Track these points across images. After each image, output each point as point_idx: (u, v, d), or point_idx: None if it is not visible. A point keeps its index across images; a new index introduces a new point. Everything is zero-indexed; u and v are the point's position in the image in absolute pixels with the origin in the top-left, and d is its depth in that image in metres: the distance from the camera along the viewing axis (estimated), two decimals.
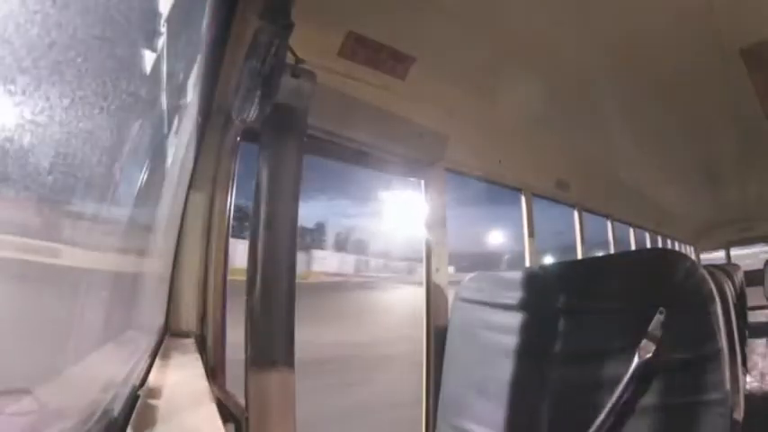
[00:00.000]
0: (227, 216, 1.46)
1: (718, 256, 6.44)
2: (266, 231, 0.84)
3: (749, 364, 2.48)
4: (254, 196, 0.88)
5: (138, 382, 0.84)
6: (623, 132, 2.77)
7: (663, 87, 2.19)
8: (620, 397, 1.11)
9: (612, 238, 3.98)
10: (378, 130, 1.75)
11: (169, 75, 0.98)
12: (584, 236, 3.36)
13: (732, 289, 2.02)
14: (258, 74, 0.91)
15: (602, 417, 1.12)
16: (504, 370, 1.46)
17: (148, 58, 0.82)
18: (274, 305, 0.82)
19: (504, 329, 1.51)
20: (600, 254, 3.94)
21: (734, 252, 6.41)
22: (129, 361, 0.94)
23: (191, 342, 1.28)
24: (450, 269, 2.11)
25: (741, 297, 2.92)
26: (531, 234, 2.65)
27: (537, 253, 2.67)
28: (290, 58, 0.90)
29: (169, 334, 1.28)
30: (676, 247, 5.91)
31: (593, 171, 3.21)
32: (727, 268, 2.95)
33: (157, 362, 1.02)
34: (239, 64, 1.15)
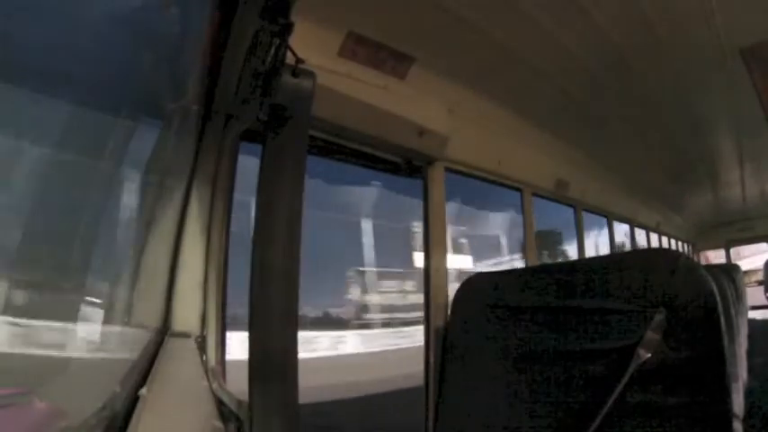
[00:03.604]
0: (227, 216, 1.45)
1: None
2: (269, 233, 0.84)
3: (749, 364, 2.48)
4: (256, 197, 0.87)
5: (138, 382, 0.84)
6: (623, 132, 2.78)
7: (663, 87, 2.19)
8: (621, 397, 1.11)
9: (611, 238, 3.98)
10: (378, 130, 1.75)
11: (169, 75, 0.98)
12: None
13: (732, 288, 2.02)
14: (258, 74, 0.91)
15: (602, 416, 1.12)
16: (503, 370, 1.46)
17: (149, 57, 0.82)
18: (277, 306, 0.82)
19: (503, 329, 1.51)
20: None
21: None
22: (130, 361, 0.94)
23: (191, 342, 1.28)
24: None
25: (741, 296, 2.92)
26: (530, 234, 2.65)
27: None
28: (290, 58, 0.89)
29: (169, 334, 1.28)
30: (676, 247, 5.91)
31: (593, 171, 3.21)
32: (728, 268, 2.95)
33: (158, 362, 1.02)
34: (239, 64, 1.15)
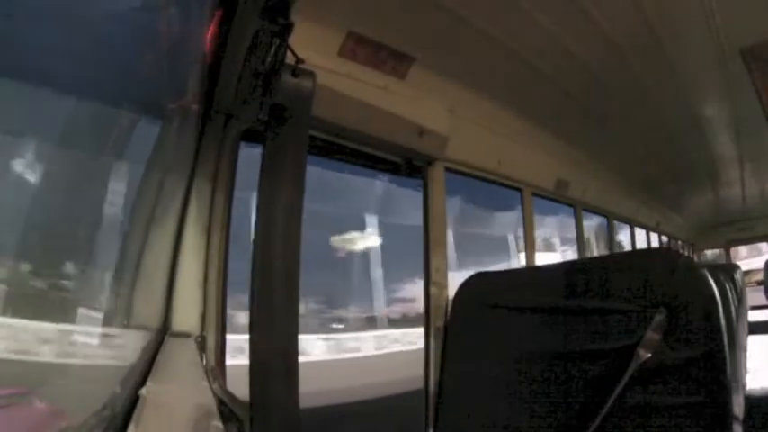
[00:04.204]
0: (227, 216, 1.46)
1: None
2: (270, 233, 0.84)
3: (749, 364, 2.48)
4: (257, 197, 0.87)
5: (138, 382, 0.84)
6: (623, 132, 2.78)
7: (663, 87, 2.19)
8: (620, 397, 1.11)
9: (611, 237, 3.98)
10: (378, 130, 1.75)
11: (169, 75, 0.98)
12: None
13: (732, 288, 2.02)
14: (258, 74, 0.91)
15: (602, 416, 1.12)
16: (503, 370, 1.46)
17: (148, 57, 0.82)
18: (277, 306, 0.82)
19: (503, 329, 1.51)
20: None
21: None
22: (130, 361, 0.94)
23: (191, 342, 1.28)
24: None
25: (741, 296, 2.92)
26: (530, 234, 2.65)
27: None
28: (290, 58, 0.89)
29: (169, 334, 1.28)
30: (675, 246, 5.91)
31: (594, 171, 3.21)
32: (728, 268, 2.95)
33: (158, 362, 1.02)
34: (239, 64, 1.15)
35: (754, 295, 4.11)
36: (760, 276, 5.38)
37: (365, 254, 7.43)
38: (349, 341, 7.13)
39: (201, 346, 1.31)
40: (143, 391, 0.77)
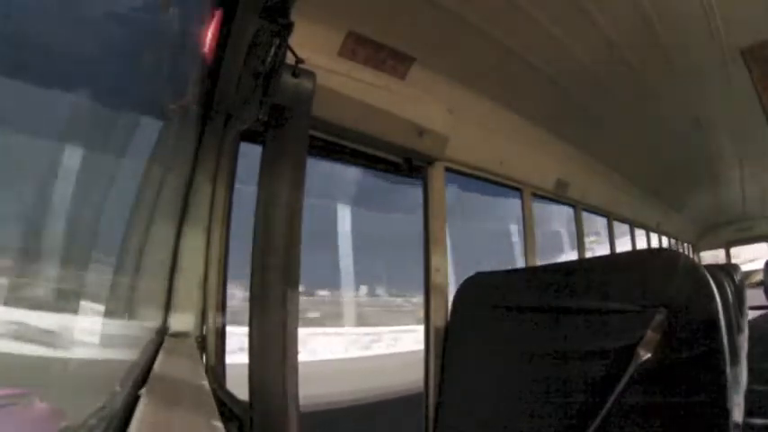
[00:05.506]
0: (227, 216, 1.45)
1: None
2: (269, 232, 0.84)
3: (749, 364, 2.48)
4: (256, 196, 0.88)
5: (138, 382, 0.84)
6: (623, 132, 2.78)
7: (663, 87, 2.19)
8: (621, 396, 1.11)
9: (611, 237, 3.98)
10: (378, 130, 1.75)
11: (169, 75, 0.98)
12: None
13: (732, 288, 2.02)
14: (258, 74, 0.91)
15: (602, 416, 1.12)
16: (504, 370, 1.46)
17: (148, 57, 0.82)
18: (277, 303, 0.82)
19: (503, 330, 1.51)
20: None
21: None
22: (130, 361, 0.94)
23: (191, 342, 1.28)
24: None
25: (741, 296, 2.92)
26: (530, 234, 2.64)
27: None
28: (290, 58, 0.89)
29: (169, 334, 1.28)
30: (676, 247, 5.91)
31: (593, 171, 3.21)
32: (728, 268, 2.95)
33: (158, 362, 1.02)
34: (239, 64, 1.15)
35: (754, 295, 4.11)
36: (760, 277, 5.38)
37: None
38: None
39: (201, 346, 1.31)
40: (143, 391, 0.77)
